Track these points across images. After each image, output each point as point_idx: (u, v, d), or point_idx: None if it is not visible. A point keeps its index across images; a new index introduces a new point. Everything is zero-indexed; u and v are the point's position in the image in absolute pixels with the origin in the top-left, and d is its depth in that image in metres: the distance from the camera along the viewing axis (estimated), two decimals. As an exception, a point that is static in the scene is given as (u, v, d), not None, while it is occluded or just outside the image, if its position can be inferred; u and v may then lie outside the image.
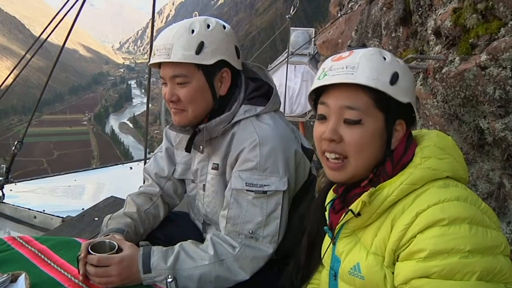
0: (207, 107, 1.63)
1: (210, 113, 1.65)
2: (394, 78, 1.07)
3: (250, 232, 1.54)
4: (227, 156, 1.64)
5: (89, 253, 1.46)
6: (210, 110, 1.64)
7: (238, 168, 1.58)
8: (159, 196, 1.89)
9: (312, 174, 1.75)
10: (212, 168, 1.70)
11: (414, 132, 1.18)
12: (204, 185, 1.76)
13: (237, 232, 1.55)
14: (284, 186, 1.54)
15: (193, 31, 1.55)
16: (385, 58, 1.10)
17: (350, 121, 1.08)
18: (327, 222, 1.23)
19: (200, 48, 1.53)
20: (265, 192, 1.54)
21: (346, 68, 1.07)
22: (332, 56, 1.16)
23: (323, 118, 1.13)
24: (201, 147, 1.67)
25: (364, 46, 1.18)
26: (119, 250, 1.51)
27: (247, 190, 1.54)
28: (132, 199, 1.86)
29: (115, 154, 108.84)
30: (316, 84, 1.13)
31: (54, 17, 2.92)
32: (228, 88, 1.64)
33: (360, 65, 1.06)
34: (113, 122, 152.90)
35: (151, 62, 1.63)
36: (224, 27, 1.62)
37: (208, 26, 1.58)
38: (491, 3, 1.79)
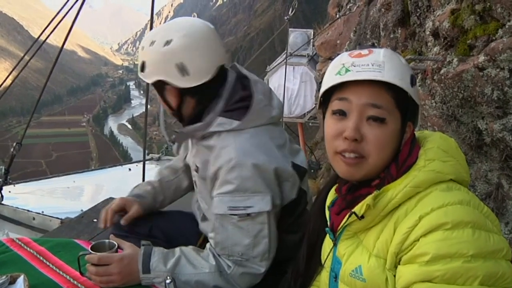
0: (172, 114, 1.71)
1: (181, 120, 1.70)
2: (413, 80, 1.08)
3: (240, 254, 1.53)
4: (206, 164, 1.62)
5: (89, 253, 1.47)
6: (176, 117, 1.71)
7: (218, 190, 1.54)
8: (182, 170, 2.03)
9: (302, 189, 1.70)
10: (195, 170, 1.71)
11: (416, 134, 1.17)
12: (195, 181, 1.79)
13: (227, 255, 1.55)
14: (267, 205, 1.50)
15: (143, 48, 1.59)
16: (401, 61, 1.11)
17: (376, 118, 1.05)
18: (328, 223, 1.21)
19: (142, 66, 1.60)
20: (249, 214, 1.50)
21: (373, 65, 1.05)
22: (348, 52, 1.13)
23: (341, 113, 1.09)
24: (178, 146, 1.82)
25: (373, 45, 1.17)
26: (118, 250, 1.52)
27: (230, 214, 1.51)
28: (160, 170, 2.08)
29: (114, 156, 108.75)
30: (339, 79, 1.08)
31: (53, 19, 2.93)
32: (179, 102, 1.64)
33: (386, 64, 1.05)
34: (112, 124, 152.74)
35: None
36: (168, 42, 1.54)
37: (152, 43, 1.56)
38: (488, 4, 1.79)
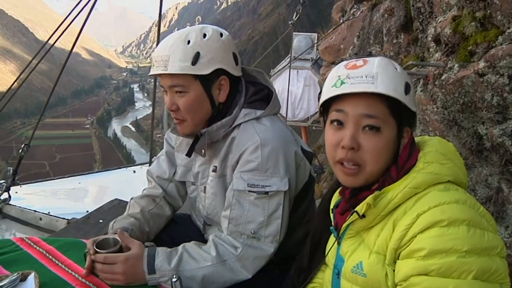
0: (206, 115, 1.67)
1: (210, 119, 1.68)
2: (408, 88, 1.12)
3: (252, 232, 1.57)
4: (226, 159, 1.68)
5: (96, 251, 1.51)
6: (209, 117, 1.68)
7: (239, 169, 1.61)
8: (162, 197, 1.92)
9: (311, 175, 1.78)
10: (212, 171, 1.74)
11: (417, 139, 1.22)
12: (205, 188, 1.79)
13: (239, 233, 1.59)
14: (285, 186, 1.57)
15: (189, 42, 1.58)
16: (396, 69, 1.14)
17: (371, 127, 1.10)
18: (333, 222, 1.26)
19: (196, 58, 1.56)
20: (266, 192, 1.56)
21: (366, 77, 1.09)
22: (344, 63, 1.17)
23: (339, 123, 1.14)
24: (203, 151, 1.70)
25: (370, 54, 1.21)
26: (123, 247, 1.55)
27: (249, 191, 1.57)
28: (136, 201, 1.91)
29: (117, 158, 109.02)
30: (335, 92, 1.13)
31: (62, 23, 2.97)
32: (228, 94, 1.67)
33: (379, 75, 1.09)
34: (116, 126, 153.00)
35: (150, 73, 1.66)
36: (222, 34, 1.64)
37: (204, 35, 1.60)
38: (489, 11, 1.83)
